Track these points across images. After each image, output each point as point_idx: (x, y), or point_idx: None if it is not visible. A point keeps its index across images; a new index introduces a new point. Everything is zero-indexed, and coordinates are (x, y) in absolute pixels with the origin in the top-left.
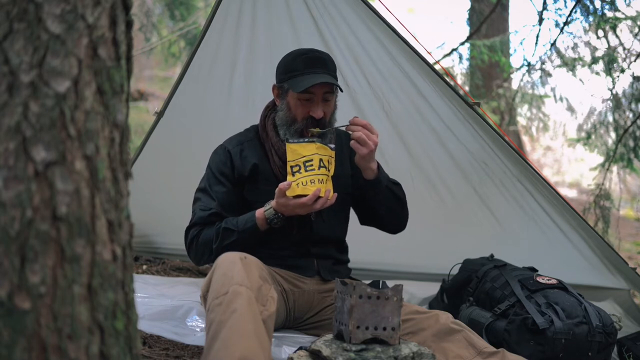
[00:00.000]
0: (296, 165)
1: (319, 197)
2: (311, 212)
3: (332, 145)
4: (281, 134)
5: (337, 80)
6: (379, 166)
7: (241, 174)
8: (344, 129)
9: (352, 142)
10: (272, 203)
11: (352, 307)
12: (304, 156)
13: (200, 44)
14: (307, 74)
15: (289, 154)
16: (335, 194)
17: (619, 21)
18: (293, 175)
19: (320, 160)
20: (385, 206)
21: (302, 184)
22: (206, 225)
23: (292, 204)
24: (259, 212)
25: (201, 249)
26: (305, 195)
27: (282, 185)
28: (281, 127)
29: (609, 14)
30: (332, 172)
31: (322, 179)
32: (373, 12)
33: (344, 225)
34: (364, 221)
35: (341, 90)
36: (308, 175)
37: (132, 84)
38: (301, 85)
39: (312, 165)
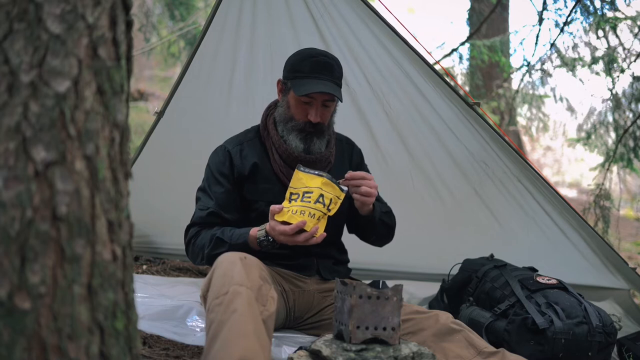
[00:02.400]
0: (296, 193)
1: (304, 231)
2: (295, 244)
3: (345, 188)
4: (279, 130)
5: (340, 87)
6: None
7: (241, 174)
8: (345, 188)
9: (357, 196)
10: (267, 225)
11: (352, 307)
12: (307, 187)
13: (200, 44)
14: (310, 78)
15: (294, 179)
16: (324, 234)
17: (619, 21)
18: (289, 201)
19: (321, 195)
20: (375, 233)
21: (292, 212)
22: (205, 226)
23: (277, 229)
24: (253, 231)
25: (196, 250)
26: (291, 224)
27: (273, 207)
28: (279, 123)
29: (609, 14)
30: (332, 213)
31: (314, 214)
32: (373, 12)
33: (339, 228)
34: (351, 231)
35: (340, 101)
36: (301, 205)
37: (132, 84)
38: (302, 89)
39: (309, 197)
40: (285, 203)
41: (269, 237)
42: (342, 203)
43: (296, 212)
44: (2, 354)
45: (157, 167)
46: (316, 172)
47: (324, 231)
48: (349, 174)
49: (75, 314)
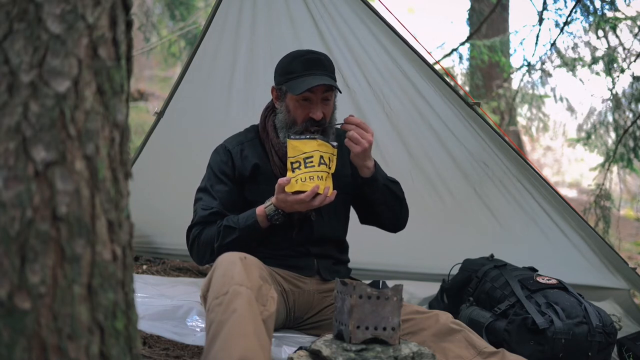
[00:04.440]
0: (296, 162)
1: (318, 194)
2: (310, 208)
3: (335, 143)
4: (281, 137)
5: (335, 81)
6: (376, 164)
7: (242, 174)
8: (338, 127)
9: (346, 140)
10: (273, 199)
11: (352, 307)
12: (305, 152)
13: (200, 44)
14: (305, 76)
15: (289, 150)
16: (335, 192)
17: (619, 21)
18: (293, 171)
19: (321, 157)
20: (383, 204)
21: (301, 180)
22: (207, 225)
23: (291, 199)
24: (260, 209)
25: (203, 248)
26: (303, 192)
27: (281, 180)
28: (281, 130)
29: (609, 14)
30: (332, 169)
31: (322, 176)
32: (373, 12)
33: (344, 225)
34: (363, 220)
35: (339, 92)
36: (307, 171)
37: (132, 84)
38: (300, 87)
39: (312, 161)
40: (289, 174)
41: (279, 210)
42: (346, 193)
43: (305, 179)
44: (2, 354)
45: (157, 167)
46: (308, 137)
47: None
48: (348, 118)
49: (75, 314)
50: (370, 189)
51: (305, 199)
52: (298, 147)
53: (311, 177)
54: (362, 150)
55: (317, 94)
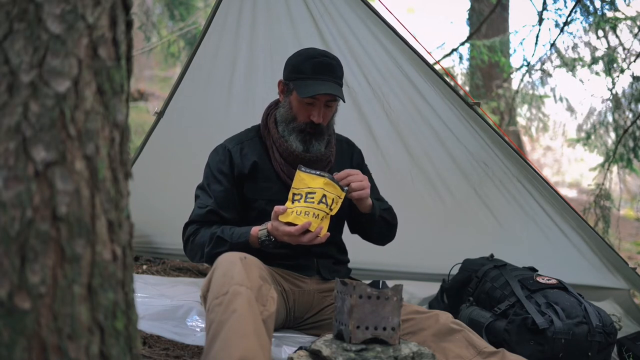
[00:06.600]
0: (298, 194)
1: (309, 231)
2: (299, 243)
3: (346, 188)
4: (280, 130)
5: (341, 87)
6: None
7: (241, 172)
8: (346, 187)
9: (353, 194)
10: (268, 224)
11: (352, 307)
12: (309, 187)
13: (200, 44)
14: (313, 80)
15: (296, 180)
16: (328, 234)
17: (619, 21)
18: (292, 202)
19: (324, 196)
20: (377, 230)
21: (297, 213)
22: (204, 224)
23: (282, 230)
24: (254, 230)
25: (195, 248)
26: (295, 225)
27: (277, 208)
28: (280, 124)
29: (609, 14)
30: (334, 212)
31: (318, 214)
32: (373, 12)
33: (340, 227)
34: (353, 231)
35: (344, 101)
36: (305, 206)
37: (132, 84)
38: (305, 91)
39: (313, 198)
40: (288, 204)
41: (271, 237)
42: (345, 200)
43: (300, 213)
44: (2, 354)
45: (157, 167)
46: (317, 173)
47: (327, 231)
48: (336, 176)
49: (75, 314)
50: (367, 221)
51: (294, 233)
52: (304, 181)
53: (306, 213)
54: (366, 194)
55: (321, 100)
